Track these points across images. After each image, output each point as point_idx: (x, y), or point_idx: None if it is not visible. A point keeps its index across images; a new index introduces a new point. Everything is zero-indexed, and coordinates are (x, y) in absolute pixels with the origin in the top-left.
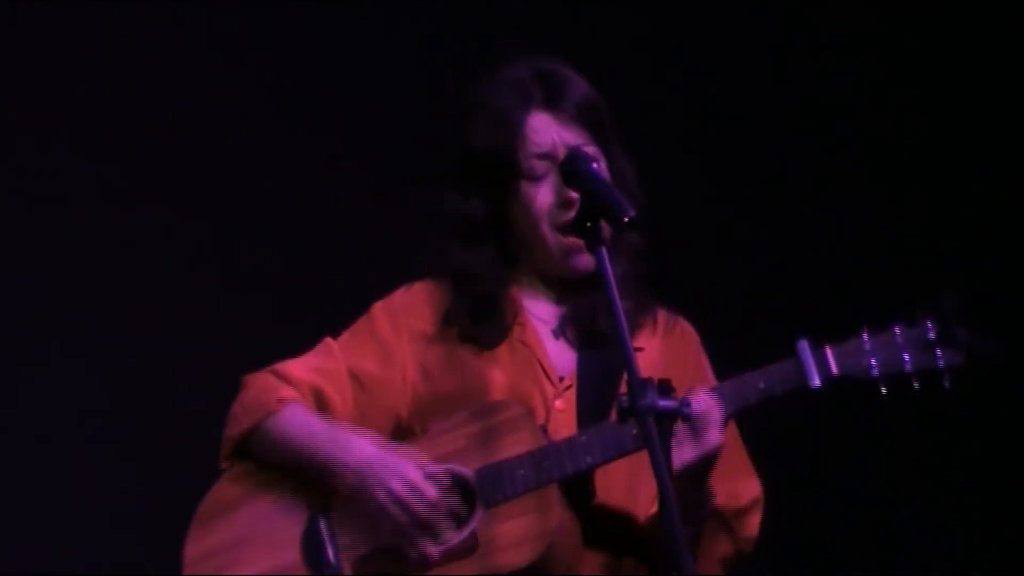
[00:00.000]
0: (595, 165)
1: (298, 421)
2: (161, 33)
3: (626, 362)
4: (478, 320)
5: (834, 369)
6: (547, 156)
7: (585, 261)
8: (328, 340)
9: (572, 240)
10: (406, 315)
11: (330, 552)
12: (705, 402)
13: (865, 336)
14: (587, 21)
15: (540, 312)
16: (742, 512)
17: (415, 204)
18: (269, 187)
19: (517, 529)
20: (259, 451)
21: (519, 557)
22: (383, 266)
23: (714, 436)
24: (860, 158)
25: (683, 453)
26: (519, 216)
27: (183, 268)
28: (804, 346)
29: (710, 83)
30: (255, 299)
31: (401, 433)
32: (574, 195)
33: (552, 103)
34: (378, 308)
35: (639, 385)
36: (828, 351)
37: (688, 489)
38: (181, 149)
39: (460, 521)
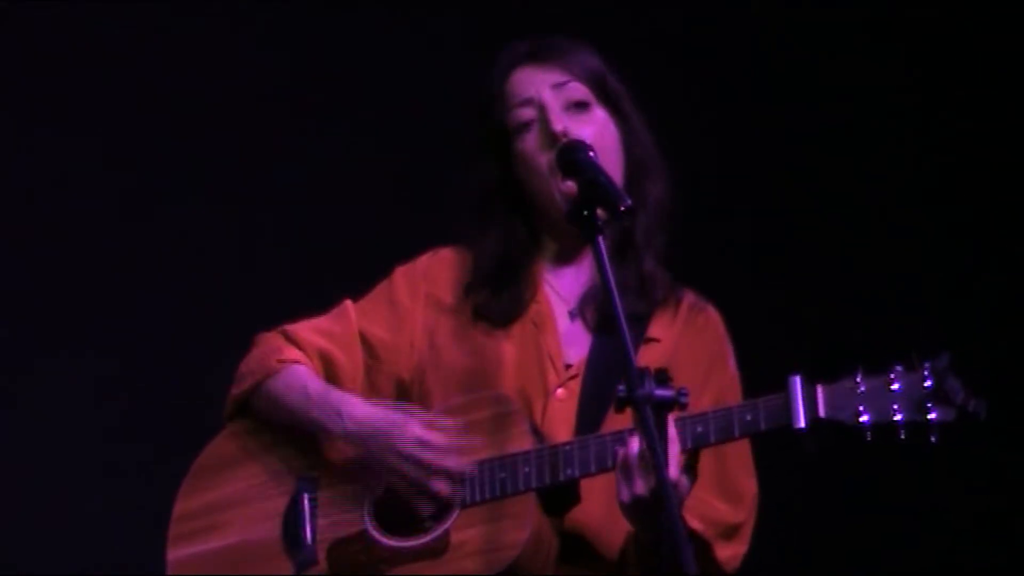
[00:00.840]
0: (591, 154)
1: (295, 382)
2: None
3: (623, 349)
4: (496, 292)
5: (822, 412)
6: (530, 101)
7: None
8: (347, 303)
9: (566, 183)
10: (426, 281)
11: (308, 533)
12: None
13: (859, 378)
14: (612, 21)
15: (563, 288)
16: (724, 534)
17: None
18: (287, 175)
19: (489, 535)
20: (258, 410)
21: (486, 566)
22: (401, 253)
23: (670, 472)
24: (886, 180)
25: (634, 487)
26: (522, 176)
27: (200, 258)
28: (796, 382)
29: (715, 108)
30: (271, 289)
31: (404, 396)
32: (558, 128)
33: (535, 56)
34: (400, 272)
35: (637, 375)
36: (819, 391)
37: (644, 526)
38: (193, 140)
39: (437, 517)
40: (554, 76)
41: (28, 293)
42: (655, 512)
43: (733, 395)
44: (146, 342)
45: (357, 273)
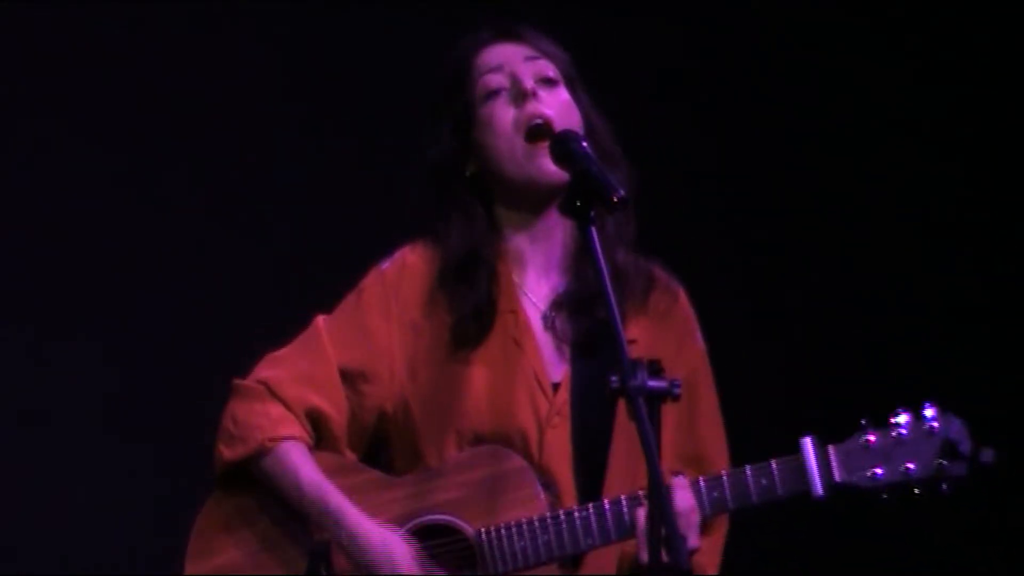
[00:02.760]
0: (584, 144)
1: (288, 468)
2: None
3: (616, 343)
4: (464, 294)
5: (837, 476)
6: (499, 68)
7: (552, 166)
8: (319, 325)
9: (537, 144)
10: (398, 300)
11: None
12: (684, 502)
13: (866, 434)
14: (611, 20)
15: (531, 287)
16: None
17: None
18: (287, 175)
19: None
20: (255, 477)
21: None
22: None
23: (690, 542)
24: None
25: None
26: (485, 144)
27: (201, 258)
28: (807, 446)
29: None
30: (272, 289)
31: (385, 426)
32: (529, 85)
33: (506, 33)
34: (371, 287)
35: (629, 365)
36: (832, 454)
37: None
38: (191, 139)
39: None
40: (526, 50)
41: (28, 293)
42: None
43: (703, 368)
44: (146, 342)
45: (355, 273)
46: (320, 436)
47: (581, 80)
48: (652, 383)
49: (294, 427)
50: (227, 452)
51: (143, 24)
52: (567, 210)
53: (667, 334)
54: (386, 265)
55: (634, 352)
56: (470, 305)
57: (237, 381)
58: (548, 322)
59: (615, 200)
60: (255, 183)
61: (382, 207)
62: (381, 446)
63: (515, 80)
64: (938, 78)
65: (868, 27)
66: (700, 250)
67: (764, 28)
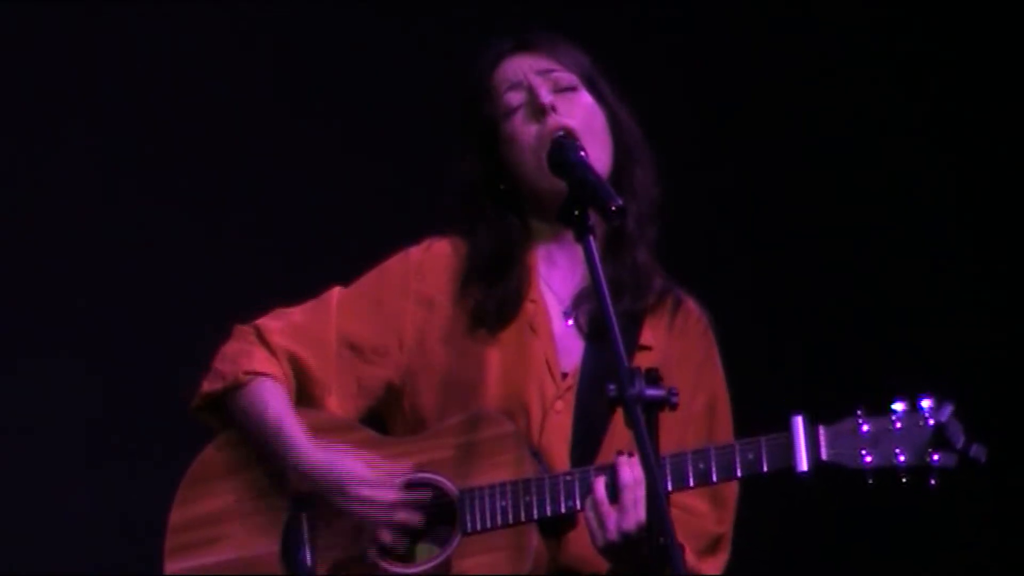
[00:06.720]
0: (582, 153)
1: (257, 403)
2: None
3: (614, 349)
4: (491, 287)
5: (824, 454)
6: (518, 85)
7: None
8: (333, 293)
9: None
10: (418, 278)
11: (307, 554)
12: (628, 476)
13: (860, 419)
14: (610, 20)
15: (556, 282)
16: (708, 547)
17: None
18: (269, 179)
19: (490, 565)
20: (230, 417)
21: None
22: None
23: (635, 517)
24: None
25: (608, 533)
26: (512, 161)
27: (181, 264)
28: (798, 423)
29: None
30: (265, 289)
31: (393, 399)
32: (546, 100)
33: (521, 46)
34: (392, 266)
35: (627, 374)
36: (821, 432)
37: (622, 565)
38: (178, 144)
39: (439, 541)
40: (541, 63)
41: (22, 293)
42: (630, 552)
43: (723, 399)
44: (137, 342)
45: (351, 272)
46: (299, 386)
47: (603, 76)
48: (649, 391)
49: (274, 368)
50: (206, 385)
51: (143, 24)
52: (564, 219)
53: (688, 354)
54: (412, 248)
55: (647, 359)
56: (496, 294)
57: (236, 325)
58: (568, 315)
59: (613, 209)
60: (251, 182)
61: (382, 206)
62: (386, 416)
63: (532, 96)
64: (937, 78)
65: (867, 28)
66: (704, 235)
67: (764, 29)
